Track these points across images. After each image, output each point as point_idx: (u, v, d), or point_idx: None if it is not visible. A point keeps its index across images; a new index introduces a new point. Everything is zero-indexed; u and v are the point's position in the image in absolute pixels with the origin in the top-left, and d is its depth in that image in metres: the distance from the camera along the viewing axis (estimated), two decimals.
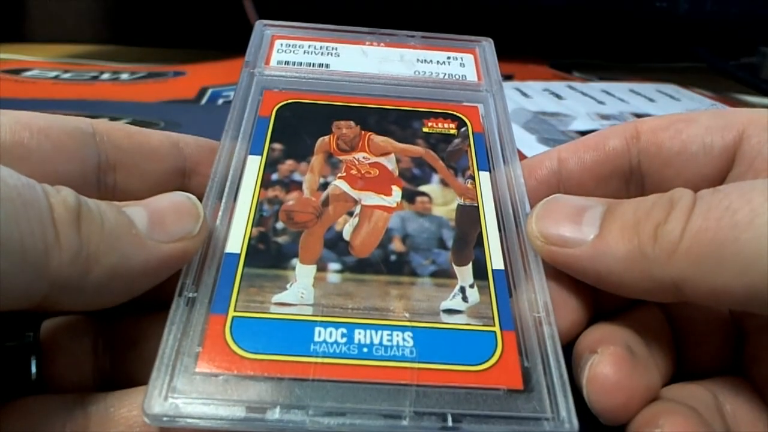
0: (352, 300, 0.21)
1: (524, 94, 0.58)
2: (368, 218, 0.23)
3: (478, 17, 0.54)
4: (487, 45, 0.32)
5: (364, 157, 0.26)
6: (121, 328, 0.22)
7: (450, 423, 0.18)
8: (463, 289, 0.21)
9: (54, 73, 0.51)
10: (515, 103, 0.55)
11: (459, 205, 0.24)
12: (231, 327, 0.20)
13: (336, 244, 0.22)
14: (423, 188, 0.25)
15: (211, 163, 0.24)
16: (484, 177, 0.25)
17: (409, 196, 0.25)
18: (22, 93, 0.52)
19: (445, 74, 0.30)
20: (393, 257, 0.22)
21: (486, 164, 0.26)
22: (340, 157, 0.26)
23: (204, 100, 0.56)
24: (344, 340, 0.19)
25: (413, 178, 0.25)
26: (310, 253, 0.22)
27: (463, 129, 0.28)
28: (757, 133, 0.23)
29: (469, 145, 0.27)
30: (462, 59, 0.32)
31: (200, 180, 0.25)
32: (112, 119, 0.42)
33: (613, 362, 0.20)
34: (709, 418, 0.20)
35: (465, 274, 0.22)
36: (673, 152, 0.24)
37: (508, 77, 0.62)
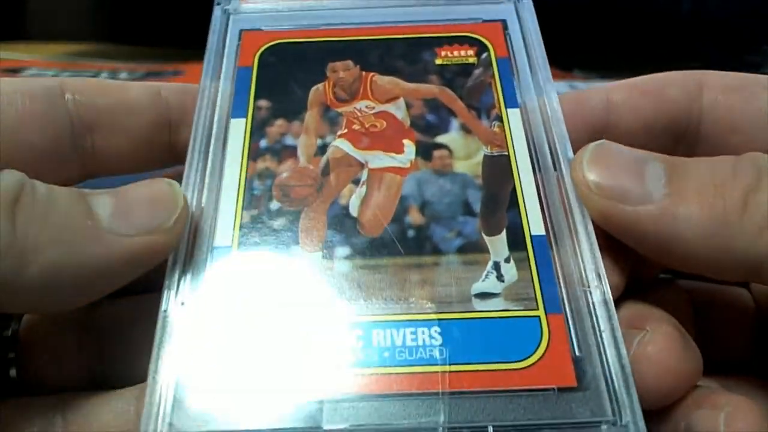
0: (366, 292, 0.18)
1: None
2: (378, 185, 0.20)
3: None
4: None
5: (367, 107, 0.22)
6: (111, 314, 0.20)
7: None
8: (497, 266, 0.18)
9: (52, 73, 0.49)
10: None
11: (485, 156, 0.20)
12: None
13: (342, 223, 0.19)
14: (440, 139, 0.21)
15: None
16: (513, 116, 0.21)
17: (424, 151, 0.21)
18: None
19: None
20: (410, 232, 0.19)
21: (515, 99, 0.22)
22: (339, 110, 0.22)
23: None
24: (360, 344, 0.17)
25: (428, 128, 0.21)
26: (312, 237, 0.19)
27: (484, 55, 0.23)
28: None
29: (493, 76, 0.22)
30: None
31: (189, 131, 0.21)
32: None
33: (666, 342, 0.17)
34: None
35: (498, 245, 0.18)
36: (746, 119, 0.20)
37: None
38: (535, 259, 0.18)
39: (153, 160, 0.22)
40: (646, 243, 0.17)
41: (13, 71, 0.46)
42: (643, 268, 0.19)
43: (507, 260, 0.18)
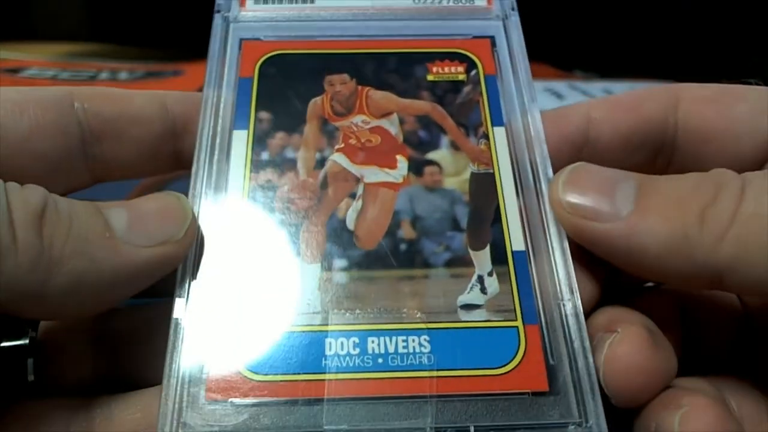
0: (362, 303, 0.19)
1: None
2: (373, 199, 0.21)
3: None
4: None
5: (363, 121, 0.23)
6: (124, 321, 0.21)
7: None
8: (481, 279, 0.20)
9: (52, 72, 0.48)
10: None
11: (473, 173, 0.22)
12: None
13: (340, 236, 0.20)
14: (431, 155, 0.22)
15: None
16: (499, 134, 0.23)
17: (416, 167, 0.22)
18: None
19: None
20: (403, 246, 0.20)
21: (501, 117, 0.23)
22: (336, 124, 0.23)
23: None
24: (357, 351, 0.18)
25: (420, 144, 0.23)
26: (312, 249, 0.20)
27: (473, 72, 0.24)
28: None
29: (481, 93, 0.24)
30: None
31: (192, 140, 0.22)
32: None
33: (635, 342, 0.18)
34: None
35: (482, 260, 0.20)
36: (718, 130, 0.21)
37: None
38: (516, 274, 0.20)
39: (158, 167, 0.23)
40: (617, 257, 0.19)
41: (14, 71, 0.45)
42: (626, 277, 0.20)
43: (490, 274, 0.20)
